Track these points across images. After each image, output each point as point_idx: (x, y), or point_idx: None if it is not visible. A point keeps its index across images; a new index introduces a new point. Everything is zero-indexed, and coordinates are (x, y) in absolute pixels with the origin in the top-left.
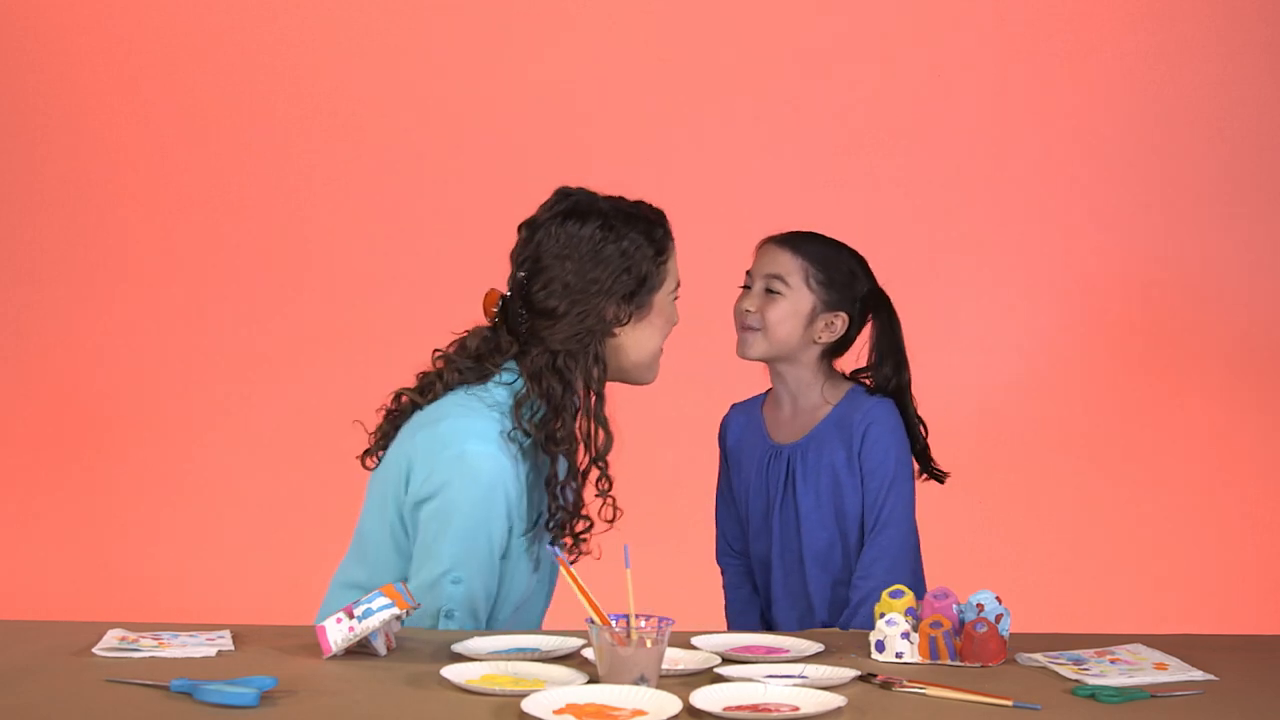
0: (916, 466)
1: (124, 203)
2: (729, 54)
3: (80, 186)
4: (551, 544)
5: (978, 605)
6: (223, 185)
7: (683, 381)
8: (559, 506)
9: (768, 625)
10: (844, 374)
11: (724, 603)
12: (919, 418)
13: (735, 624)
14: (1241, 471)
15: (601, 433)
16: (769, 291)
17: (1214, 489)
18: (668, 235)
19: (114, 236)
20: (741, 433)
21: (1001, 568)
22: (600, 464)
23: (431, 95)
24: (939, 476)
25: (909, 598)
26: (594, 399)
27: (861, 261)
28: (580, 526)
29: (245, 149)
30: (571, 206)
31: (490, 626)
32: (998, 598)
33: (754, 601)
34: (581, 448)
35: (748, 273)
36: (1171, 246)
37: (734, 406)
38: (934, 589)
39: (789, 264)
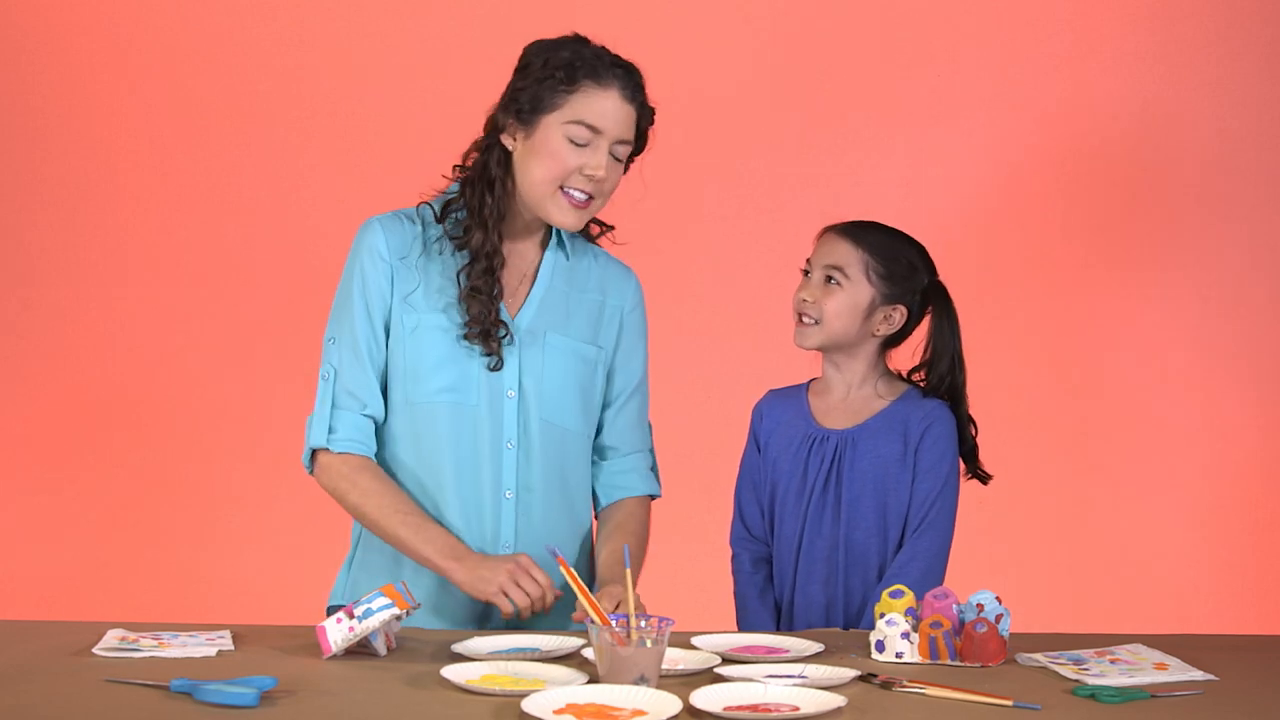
0: (962, 467)
1: (124, 203)
2: (729, 53)
3: (80, 186)
4: (465, 338)
5: (978, 605)
6: (223, 185)
7: (681, 382)
8: (471, 299)
9: (779, 611)
10: (899, 374)
11: (734, 586)
12: (970, 418)
13: (748, 608)
14: (1241, 471)
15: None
16: (829, 281)
17: (1214, 489)
18: (588, 70)
19: (114, 236)
20: (780, 416)
21: (1001, 568)
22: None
23: (432, 95)
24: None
25: (909, 598)
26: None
27: (923, 253)
28: (499, 333)
29: (245, 149)
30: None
31: (404, 407)
32: (998, 598)
33: (768, 589)
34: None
35: (807, 260)
36: (1172, 246)
37: (771, 391)
38: (934, 589)
39: (849, 255)
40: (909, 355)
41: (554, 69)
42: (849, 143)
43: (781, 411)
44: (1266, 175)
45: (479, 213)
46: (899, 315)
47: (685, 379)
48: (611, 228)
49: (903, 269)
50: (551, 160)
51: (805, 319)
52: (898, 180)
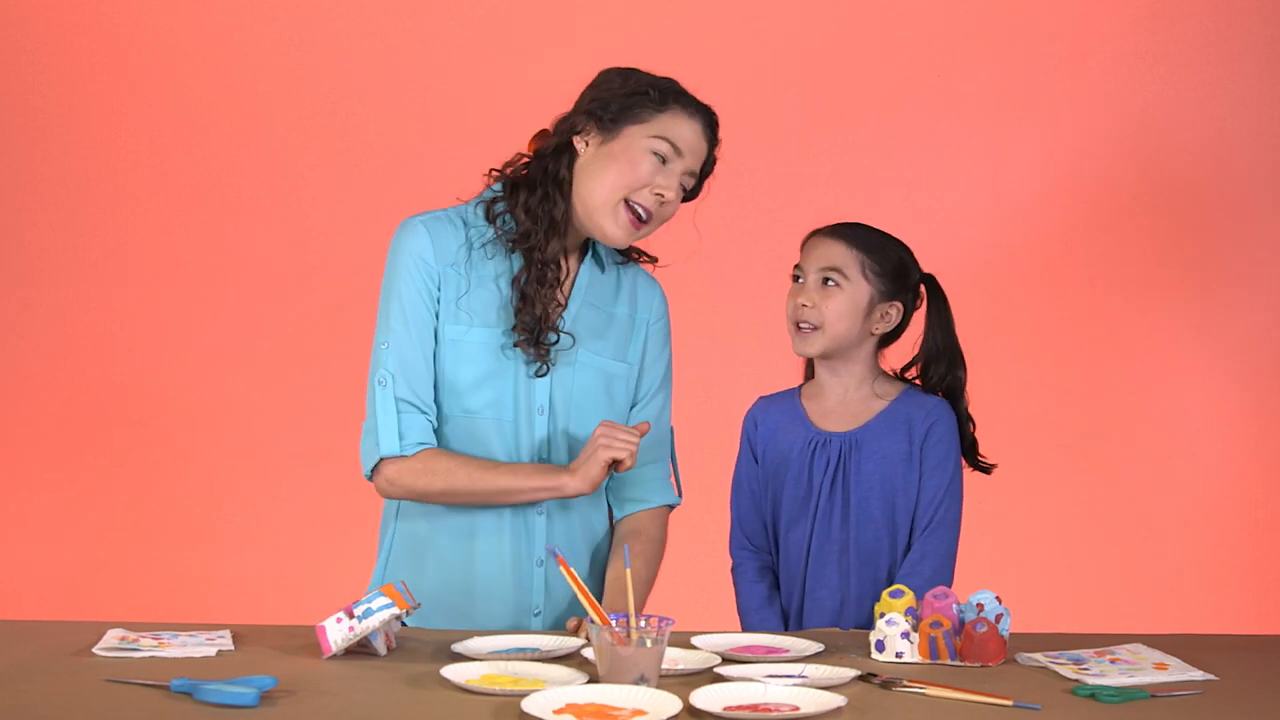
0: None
1: (124, 203)
2: (730, 54)
3: (80, 186)
4: (515, 345)
5: (978, 605)
6: (223, 185)
7: (681, 383)
8: (523, 306)
9: (787, 617)
10: (893, 372)
11: (736, 595)
12: (969, 415)
13: (753, 617)
14: (1241, 471)
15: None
16: (826, 283)
17: (1214, 489)
18: (679, 98)
19: (114, 236)
20: (775, 422)
21: (1001, 568)
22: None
23: (432, 95)
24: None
25: (909, 597)
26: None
27: (908, 250)
28: (550, 339)
29: (245, 149)
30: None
31: (452, 415)
32: (998, 598)
33: (773, 598)
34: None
35: (797, 266)
36: (1171, 245)
37: (762, 398)
38: (934, 589)
39: (844, 256)
40: (908, 352)
41: (646, 87)
42: (849, 143)
43: (776, 417)
44: (1266, 175)
45: (546, 216)
46: (895, 312)
47: (685, 379)
48: (654, 259)
49: (895, 265)
50: (630, 168)
51: (804, 326)
52: (898, 180)
